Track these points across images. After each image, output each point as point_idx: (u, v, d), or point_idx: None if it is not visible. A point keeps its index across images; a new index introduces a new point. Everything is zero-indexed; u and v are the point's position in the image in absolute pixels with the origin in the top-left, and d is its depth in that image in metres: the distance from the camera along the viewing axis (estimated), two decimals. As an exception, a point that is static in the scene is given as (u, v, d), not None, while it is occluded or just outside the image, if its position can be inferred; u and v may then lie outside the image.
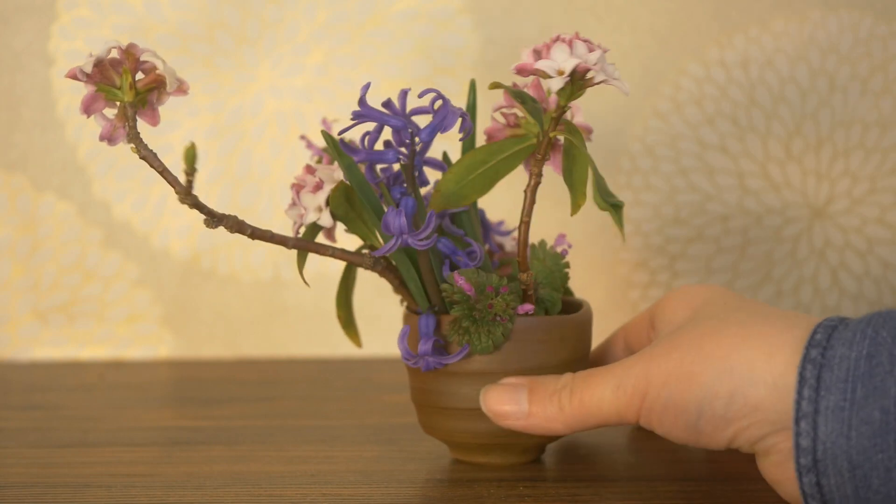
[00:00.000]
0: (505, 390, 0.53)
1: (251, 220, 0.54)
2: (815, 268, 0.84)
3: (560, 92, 0.51)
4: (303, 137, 0.69)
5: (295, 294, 0.86)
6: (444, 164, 0.59)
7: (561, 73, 0.51)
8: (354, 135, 0.58)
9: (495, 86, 0.54)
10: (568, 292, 0.61)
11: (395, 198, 0.55)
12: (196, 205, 0.51)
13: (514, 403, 0.53)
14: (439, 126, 0.54)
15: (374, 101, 0.54)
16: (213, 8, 0.84)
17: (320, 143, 0.71)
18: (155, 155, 0.52)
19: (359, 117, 0.54)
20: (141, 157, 0.51)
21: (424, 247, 0.53)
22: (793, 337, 0.47)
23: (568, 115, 0.56)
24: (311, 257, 0.56)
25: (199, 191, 0.51)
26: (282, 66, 0.84)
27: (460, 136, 0.57)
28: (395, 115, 0.54)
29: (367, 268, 0.56)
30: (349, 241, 0.61)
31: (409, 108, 0.55)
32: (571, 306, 0.60)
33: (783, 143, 0.83)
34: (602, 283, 0.85)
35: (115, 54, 0.51)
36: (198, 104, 0.85)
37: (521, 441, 0.56)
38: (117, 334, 0.87)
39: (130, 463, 0.59)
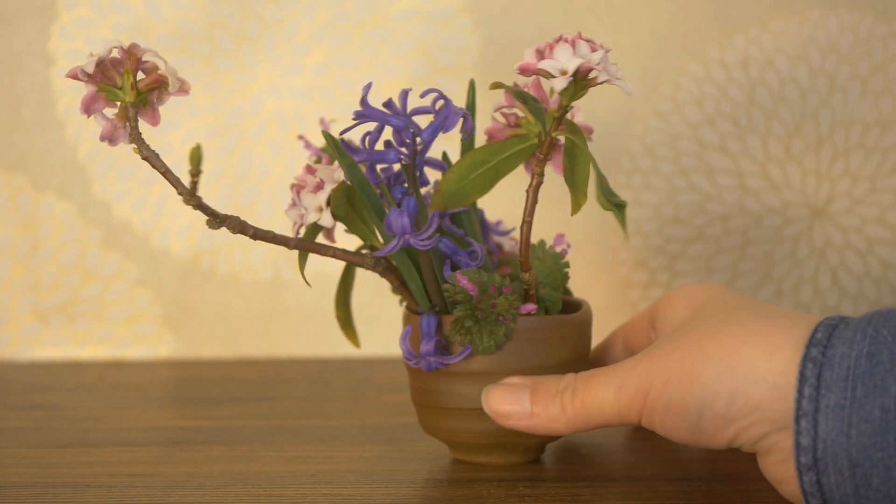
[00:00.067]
0: (507, 390, 0.53)
1: (251, 220, 0.54)
2: (815, 268, 0.84)
3: (563, 92, 0.51)
4: (301, 137, 0.69)
5: (295, 294, 0.86)
6: (444, 164, 0.59)
7: (564, 72, 0.51)
8: (352, 135, 0.58)
9: (496, 86, 0.54)
10: (567, 292, 0.61)
11: (396, 198, 0.55)
12: (200, 206, 0.51)
13: (516, 403, 0.53)
14: (441, 126, 0.54)
15: (375, 101, 0.54)
16: (213, 8, 0.84)
17: (318, 143, 0.71)
18: (157, 155, 0.51)
19: (361, 117, 0.54)
20: (143, 158, 0.51)
21: (426, 247, 0.53)
22: (793, 336, 0.48)
23: (568, 114, 0.56)
24: (311, 257, 0.56)
25: (200, 191, 0.51)
26: (282, 66, 0.84)
27: (462, 136, 0.57)
28: (396, 115, 0.54)
29: (367, 268, 0.56)
30: (348, 241, 0.61)
31: (409, 107, 0.55)
32: (571, 306, 0.60)
33: (783, 143, 0.83)
34: (602, 283, 0.85)
35: (115, 54, 0.51)
36: (198, 104, 0.85)
37: (522, 441, 0.56)
38: (117, 334, 0.87)
39: (130, 463, 0.59)
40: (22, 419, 0.69)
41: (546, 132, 0.54)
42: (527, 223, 0.55)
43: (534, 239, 0.58)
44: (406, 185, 0.55)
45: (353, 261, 0.56)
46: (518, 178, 0.60)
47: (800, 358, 0.47)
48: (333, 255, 0.55)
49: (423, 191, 0.59)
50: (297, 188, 0.56)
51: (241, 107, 0.85)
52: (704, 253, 0.84)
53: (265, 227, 0.54)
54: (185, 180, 0.50)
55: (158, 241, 0.86)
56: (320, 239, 0.58)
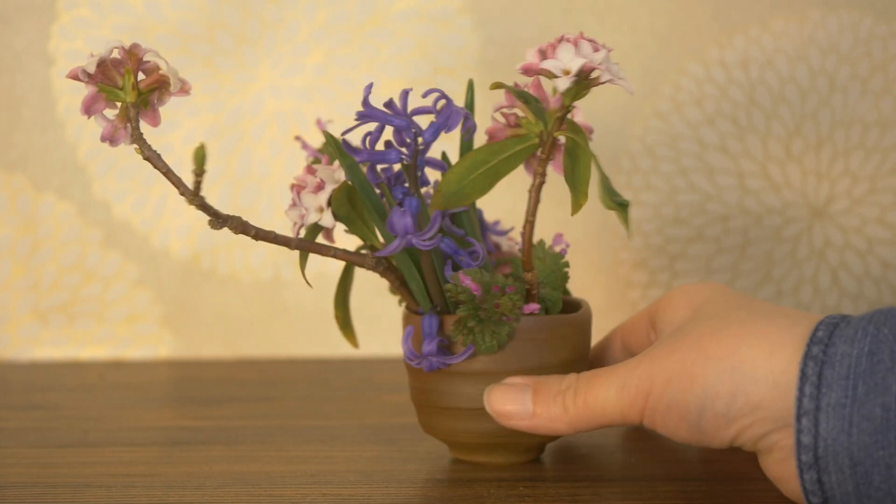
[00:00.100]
0: (509, 390, 0.53)
1: (251, 221, 0.54)
2: (815, 268, 0.84)
3: (565, 92, 0.51)
4: (298, 138, 0.69)
5: (295, 294, 0.86)
6: (444, 164, 0.59)
7: (567, 72, 0.51)
8: (349, 135, 0.58)
9: (497, 86, 0.54)
10: (565, 292, 0.61)
11: (398, 198, 0.55)
12: (203, 206, 0.51)
13: (518, 403, 0.53)
14: (443, 126, 0.54)
15: (375, 101, 0.54)
16: (213, 8, 0.84)
17: (315, 143, 0.71)
18: (159, 156, 0.51)
19: (363, 118, 0.54)
20: (145, 158, 0.51)
21: (429, 247, 0.53)
22: (794, 334, 0.48)
23: (568, 114, 0.56)
24: (312, 257, 0.56)
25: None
26: (282, 66, 0.84)
27: (463, 136, 0.57)
28: (397, 115, 0.54)
29: (369, 268, 0.56)
30: (347, 242, 0.61)
31: (410, 107, 0.55)
32: (570, 305, 0.60)
33: (783, 143, 0.83)
34: (602, 283, 0.85)
35: (116, 54, 0.51)
36: (198, 104, 0.85)
37: (523, 440, 0.56)
38: (117, 334, 0.87)
39: (130, 463, 0.59)
40: (22, 419, 0.69)
41: (548, 132, 0.54)
42: (529, 223, 0.55)
43: (534, 239, 0.58)
44: (406, 185, 0.55)
45: (354, 261, 0.56)
46: (517, 178, 0.61)
47: (801, 356, 0.47)
48: (334, 256, 0.55)
49: (422, 191, 0.59)
50: (298, 188, 0.56)
51: (241, 107, 0.85)
52: (704, 253, 0.84)
53: (265, 227, 0.54)
54: (187, 180, 0.50)
55: (158, 241, 0.86)
56: (320, 239, 0.58)
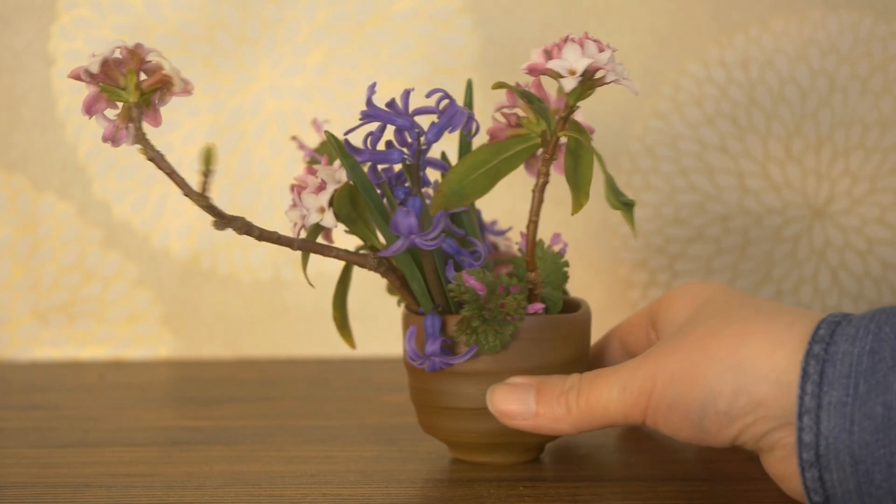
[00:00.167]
0: (512, 390, 0.53)
1: (251, 221, 0.54)
2: (815, 268, 0.84)
3: (570, 92, 0.51)
4: (294, 138, 0.68)
5: (295, 294, 0.86)
6: (445, 165, 0.59)
7: (573, 72, 0.51)
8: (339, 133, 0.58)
9: (499, 86, 0.54)
10: (563, 292, 0.61)
11: (399, 198, 0.55)
12: (209, 207, 0.51)
13: (521, 403, 0.53)
14: (446, 126, 0.54)
15: (376, 101, 0.54)
16: (213, 8, 0.84)
17: (311, 143, 0.71)
18: (163, 156, 0.51)
19: (367, 118, 0.54)
20: (149, 159, 0.51)
21: (432, 247, 0.53)
22: (796, 332, 0.48)
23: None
24: (312, 257, 0.56)
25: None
26: (282, 66, 0.84)
27: (466, 136, 0.57)
28: (400, 115, 0.54)
29: (370, 268, 0.56)
30: (344, 241, 0.61)
31: (411, 107, 0.55)
32: (569, 305, 0.60)
33: (783, 143, 0.83)
34: (602, 283, 0.85)
35: (118, 54, 0.50)
36: (198, 104, 0.85)
37: (524, 440, 0.56)
38: (117, 334, 0.87)
39: (130, 463, 0.59)
40: (22, 419, 0.69)
41: (552, 132, 0.54)
42: (533, 223, 0.55)
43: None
44: (407, 185, 0.55)
45: (355, 261, 0.56)
46: (517, 179, 0.61)
47: (802, 355, 0.47)
48: (336, 256, 0.55)
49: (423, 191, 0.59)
50: (298, 189, 0.55)
51: (241, 107, 0.85)
52: (704, 253, 0.84)
53: (265, 227, 0.54)
54: (198, 180, 0.50)
55: (158, 241, 0.86)
56: (319, 239, 0.58)
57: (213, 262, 0.86)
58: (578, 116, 0.58)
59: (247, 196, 0.85)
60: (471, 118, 0.55)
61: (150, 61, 0.51)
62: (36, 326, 0.87)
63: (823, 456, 0.46)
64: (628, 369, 0.51)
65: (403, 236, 0.52)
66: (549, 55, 0.52)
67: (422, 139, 0.54)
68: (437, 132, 0.54)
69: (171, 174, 0.51)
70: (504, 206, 0.75)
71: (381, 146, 0.55)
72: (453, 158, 0.62)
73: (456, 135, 0.57)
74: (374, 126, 0.55)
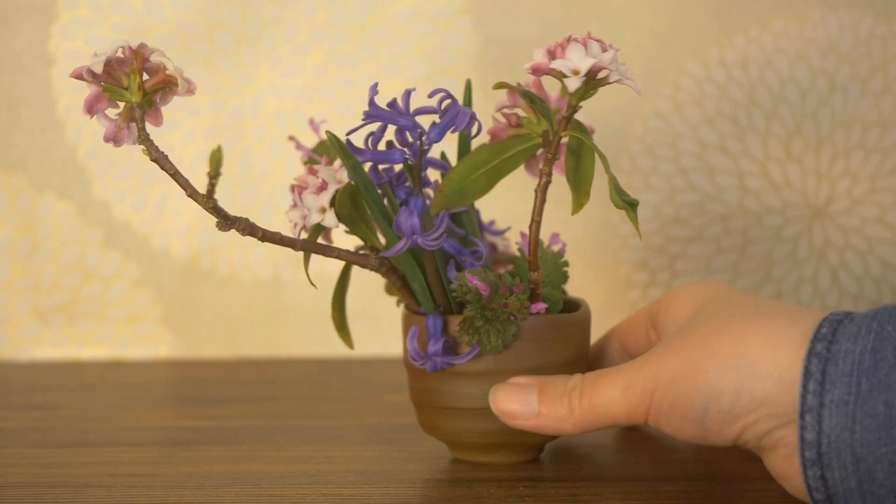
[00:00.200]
0: (514, 390, 0.53)
1: (252, 221, 0.54)
2: (815, 268, 0.84)
3: (574, 92, 0.51)
4: (291, 138, 0.68)
5: (295, 294, 0.86)
6: (446, 165, 0.59)
7: (576, 72, 0.51)
8: (340, 134, 0.58)
9: (501, 86, 0.54)
10: (563, 292, 0.61)
11: (401, 198, 0.55)
12: (215, 208, 0.51)
13: (523, 403, 0.53)
14: (449, 126, 0.54)
15: (376, 101, 0.54)
16: (213, 8, 0.84)
17: (309, 143, 0.71)
18: (166, 157, 0.51)
19: (369, 118, 0.54)
20: (152, 160, 0.51)
21: (434, 247, 0.53)
22: (798, 331, 0.48)
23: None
24: (312, 257, 0.56)
25: (199, 190, 0.51)
26: (282, 66, 0.84)
27: (469, 136, 0.57)
28: (401, 115, 0.54)
29: (371, 269, 0.56)
30: (344, 242, 0.61)
31: (412, 107, 0.55)
32: (569, 305, 0.60)
33: (783, 143, 0.83)
34: (602, 283, 0.85)
35: (120, 54, 0.50)
36: (198, 104, 0.85)
37: (525, 440, 0.56)
38: (117, 334, 0.87)
39: (130, 463, 0.59)
40: (22, 419, 0.69)
41: (555, 132, 0.54)
42: (535, 223, 0.55)
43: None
44: (408, 185, 0.55)
45: (357, 262, 0.56)
46: (517, 178, 0.61)
47: (804, 353, 0.47)
48: (338, 257, 0.55)
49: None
50: (299, 189, 0.55)
51: (241, 107, 0.85)
52: (704, 253, 0.84)
53: (265, 228, 0.54)
54: (191, 180, 0.50)
55: (158, 241, 0.86)
56: (319, 240, 0.58)
57: (213, 262, 0.86)
58: (578, 116, 0.58)
59: (247, 196, 0.85)
60: (473, 118, 0.55)
61: (150, 61, 0.51)
62: (36, 326, 0.87)
63: (825, 454, 0.46)
64: (631, 369, 0.51)
65: (406, 236, 0.52)
66: (552, 55, 0.52)
67: (423, 139, 0.54)
68: (439, 132, 0.54)
69: (175, 174, 0.51)
70: (504, 206, 0.75)
71: (381, 146, 0.55)
72: (452, 158, 0.62)
73: (454, 135, 0.57)
74: (375, 126, 0.55)
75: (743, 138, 0.83)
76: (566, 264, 0.60)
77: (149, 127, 0.51)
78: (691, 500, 0.52)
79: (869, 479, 0.45)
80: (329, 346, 0.85)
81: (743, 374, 0.48)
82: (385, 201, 0.56)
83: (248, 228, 0.52)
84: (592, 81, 0.52)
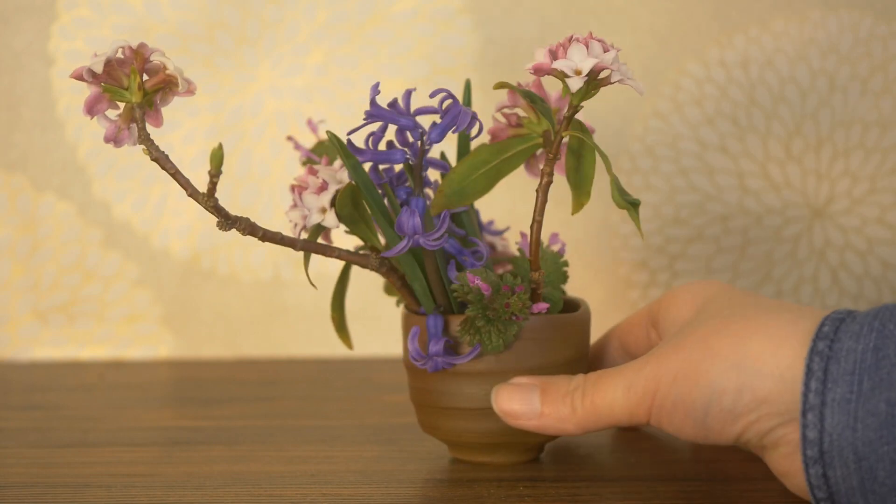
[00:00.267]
0: (516, 390, 0.53)
1: (253, 221, 0.54)
2: (815, 268, 0.84)
3: (576, 92, 0.51)
4: (290, 138, 0.68)
5: (295, 294, 0.86)
6: (446, 165, 0.59)
7: (578, 72, 0.51)
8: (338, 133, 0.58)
9: (501, 85, 0.54)
10: (561, 292, 0.61)
11: (401, 198, 0.55)
12: (216, 207, 0.51)
13: (525, 403, 0.53)
14: (450, 126, 0.54)
15: (377, 101, 0.54)
16: (213, 8, 0.84)
17: (307, 143, 0.71)
18: (167, 157, 0.51)
19: (370, 118, 0.54)
20: (153, 160, 0.51)
21: (436, 247, 0.53)
22: (799, 329, 0.48)
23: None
24: (312, 257, 0.56)
25: (199, 190, 0.51)
26: (282, 66, 0.84)
27: (470, 136, 0.57)
28: (402, 115, 0.54)
29: (372, 269, 0.56)
30: (343, 241, 0.61)
31: (413, 107, 0.55)
32: (568, 305, 0.60)
33: (783, 143, 0.83)
34: (602, 283, 0.85)
35: (120, 54, 0.50)
36: (198, 104, 0.85)
37: (525, 440, 0.56)
38: (117, 334, 0.87)
39: (130, 463, 0.59)
40: (22, 419, 0.69)
41: (556, 132, 0.54)
42: (537, 223, 0.55)
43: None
44: (408, 185, 0.55)
45: (357, 262, 0.56)
46: (517, 178, 0.61)
47: (806, 352, 0.47)
48: (338, 257, 0.55)
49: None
50: (299, 189, 0.55)
51: (241, 107, 0.85)
52: (704, 253, 0.84)
53: (265, 227, 0.54)
54: (192, 180, 0.50)
55: (158, 241, 0.86)
56: (319, 240, 0.58)
57: (213, 262, 0.86)
58: (578, 116, 0.58)
59: (247, 196, 0.85)
60: (474, 118, 0.55)
61: (150, 61, 0.51)
62: (36, 326, 0.87)
63: (827, 453, 0.46)
64: (632, 369, 0.51)
65: (408, 236, 0.52)
66: (554, 55, 0.52)
67: (424, 139, 0.54)
68: (440, 132, 0.54)
69: (176, 174, 0.51)
70: (504, 206, 0.75)
71: (381, 146, 0.55)
72: (452, 158, 0.62)
73: (454, 135, 0.57)
74: (375, 126, 0.55)
75: (743, 138, 0.83)
76: (566, 264, 0.60)
77: (149, 127, 0.51)
78: (691, 500, 0.52)
79: (871, 478, 0.45)
80: (329, 346, 0.85)
81: (744, 373, 0.48)
82: (385, 201, 0.56)
83: (248, 228, 0.53)
84: (594, 81, 0.52)
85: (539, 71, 0.52)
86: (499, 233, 0.65)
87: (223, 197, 0.85)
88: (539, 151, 0.58)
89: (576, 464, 0.58)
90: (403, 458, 0.59)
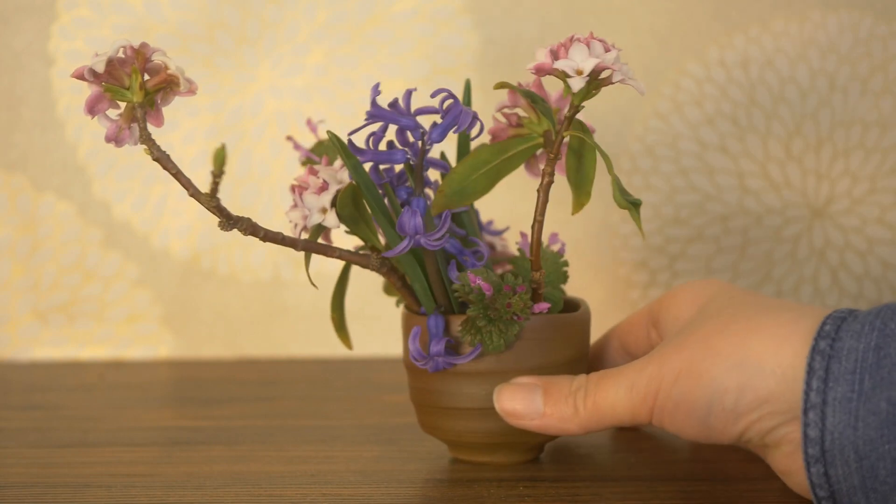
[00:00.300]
0: (518, 390, 0.53)
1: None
2: (815, 268, 0.84)
3: (577, 92, 0.52)
4: (289, 138, 0.68)
5: (295, 294, 0.86)
6: (446, 165, 0.59)
7: (580, 72, 0.51)
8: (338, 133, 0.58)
9: (502, 85, 0.54)
10: (561, 291, 0.61)
11: (402, 198, 0.55)
12: (218, 207, 0.51)
13: (527, 403, 0.53)
14: (451, 126, 0.54)
15: (377, 101, 0.54)
16: (213, 8, 0.84)
17: (307, 143, 0.71)
18: (168, 157, 0.51)
19: (371, 118, 0.54)
20: (154, 160, 0.51)
21: (437, 247, 0.53)
22: (801, 328, 0.48)
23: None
24: (312, 257, 0.56)
25: (200, 190, 0.51)
26: (282, 66, 0.84)
27: (471, 136, 0.57)
28: (403, 115, 0.54)
29: (373, 269, 0.56)
30: (342, 241, 0.61)
31: (413, 107, 0.55)
32: (568, 305, 0.60)
33: (783, 143, 0.83)
34: (602, 283, 0.85)
35: (122, 53, 0.50)
36: (198, 104, 0.85)
37: (526, 440, 0.56)
38: (117, 334, 0.87)
39: (130, 463, 0.59)
40: (22, 419, 0.69)
41: (557, 132, 0.54)
42: (538, 222, 0.55)
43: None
44: (409, 184, 0.55)
45: (358, 262, 0.56)
46: (517, 178, 0.61)
47: (808, 350, 0.47)
48: (339, 257, 0.55)
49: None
50: (299, 189, 0.55)
51: (241, 107, 0.85)
52: (704, 253, 0.84)
53: (265, 227, 0.54)
54: (209, 181, 0.50)
55: (158, 241, 0.86)
56: (319, 240, 0.58)
57: (213, 262, 0.86)
58: (578, 116, 0.58)
59: (247, 196, 0.85)
60: (475, 118, 0.55)
61: (151, 61, 0.51)
62: (36, 326, 0.87)
63: (829, 451, 0.46)
64: (634, 369, 0.51)
65: (409, 236, 0.52)
66: (555, 55, 0.52)
67: (425, 139, 0.54)
68: (441, 132, 0.54)
69: (177, 174, 0.51)
70: (504, 206, 0.75)
71: (382, 146, 0.55)
72: (451, 158, 0.62)
73: (454, 135, 0.57)
74: (376, 126, 0.55)
75: (743, 138, 0.83)
76: (566, 264, 0.60)
77: (149, 127, 0.51)
78: (691, 500, 0.52)
79: (872, 476, 0.45)
80: (329, 346, 0.85)
81: (746, 372, 0.48)
82: (386, 201, 0.56)
83: (250, 228, 0.53)
84: (596, 81, 0.52)
85: (540, 71, 0.52)
86: (498, 233, 0.65)
87: (223, 197, 0.85)
88: (539, 151, 0.58)
89: (576, 464, 0.58)
90: (403, 458, 0.59)
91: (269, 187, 0.85)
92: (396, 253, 0.53)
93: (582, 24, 0.82)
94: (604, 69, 0.51)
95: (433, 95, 0.54)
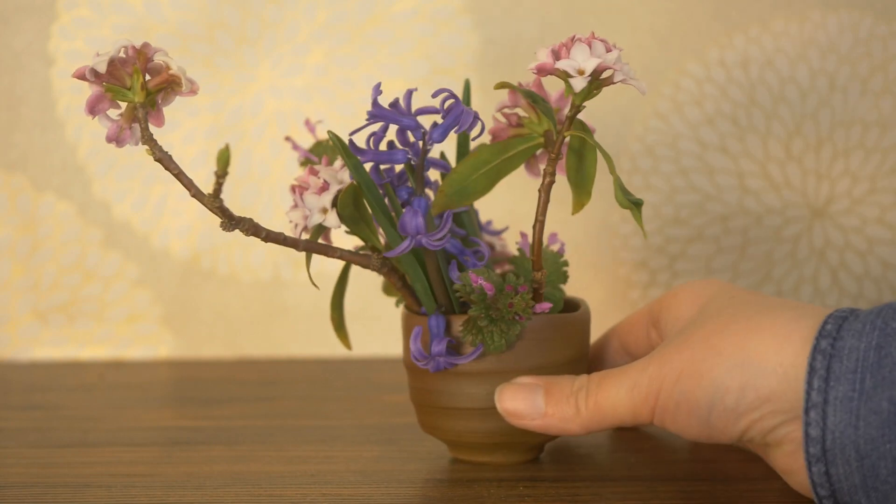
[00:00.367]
0: (520, 390, 0.53)
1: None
2: (815, 268, 0.84)
3: (578, 92, 0.52)
4: (288, 138, 0.68)
5: (295, 294, 0.86)
6: (447, 165, 0.59)
7: (582, 72, 0.51)
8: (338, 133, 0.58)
9: (502, 85, 0.54)
10: (561, 291, 0.61)
11: (403, 198, 0.55)
12: (220, 208, 0.51)
13: (529, 403, 0.53)
14: (453, 126, 0.54)
15: (377, 101, 0.54)
16: (213, 8, 0.84)
17: (305, 143, 0.71)
18: (170, 157, 0.51)
19: (372, 118, 0.54)
20: (156, 160, 0.51)
21: (438, 247, 0.53)
22: (802, 327, 0.48)
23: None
24: (314, 257, 0.56)
25: (202, 190, 0.51)
26: (282, 66, 0.84)
27: (471, 136, 0.57)
28: (404, 115, 0.54)
29: (373, 269, 0.56)
30: (342, 241, 0.61)
31: (413, 107, 0.55)
32: (568, 305, 0.60)
33: (783, 143, 0.83)
34: (602, 283, 0.85)
35: (123, 53, 0.50)
36: (198, 104, 0.85)
37: (526, 440, 0.56)
38: (117, 334, 0.87)
39: (130, 463, 0.59)
40: (22, 419, 0.69)
41: (558, 132, 0.54)
42: (539, 222, 0.55)
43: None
44: (409, 185, 0.55)
45: (359, 262, 0.56)
46: (517, 178, 0.61)
47: (809, 349, 0.47)
48: (340, 257, 0.55)
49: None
50: (300, 190, 0.55)
51: (241, 107, 0.85)
52: (704, 253, 0.84)
53: (265, 228, 0.54)
54: (213, 182, 0.50)
55: (158, 241, 0.86)
56: (320, 240, 0.58)
57: (213, 262, 0.86)
58: (579, 116, 0.58)
59: (247, 196, 0.85)
60: (476, 118, 0.55)
61: (154, 61, 0.51)
62: (36, 326, 0.87)
63: (830, 451, 0.46)
64: (636, 369, 0.51)
65: (410, 236, 0.52)
66: (556, 55, 0.52)
67: (425, 139, 0.54)
68: (442, 132, 0.54)
69: (179, 175, 0.51)
70: (504, 206, 0.75)
71: (382, 146, 0.55)
72: (451, 158, 0.62)
73: (454, 135, 0.57)
74: (376, 126, 0.55)
75: (743, 138, 0.83)
76: (566, 264, 0.60)
77: (150, 127, 0.51)
78: (691, 500, 0.52)
79: (873, 476, 0.45)
80: (329, 346, 0.85)
81: (747, 372, 0.48)
82: (386, 201, 0.56)
83: (252, 229, 0.53)
84: (597, 81, 0.52)
85: (542, 71, 0.52)
86: (497, 233, 0.65)
87: (223, 197, 0.86)
88: (539, 151, 0.58)
89: (576, 464, 0.58)
90: (403, 458, 0.59)
91: (269, 187, 0.85)
92: (398, 253, 0.53)
93: (582, 25, 0.82)
94: (605, 69, 0.51)
95: (434, 95, 0.54)
